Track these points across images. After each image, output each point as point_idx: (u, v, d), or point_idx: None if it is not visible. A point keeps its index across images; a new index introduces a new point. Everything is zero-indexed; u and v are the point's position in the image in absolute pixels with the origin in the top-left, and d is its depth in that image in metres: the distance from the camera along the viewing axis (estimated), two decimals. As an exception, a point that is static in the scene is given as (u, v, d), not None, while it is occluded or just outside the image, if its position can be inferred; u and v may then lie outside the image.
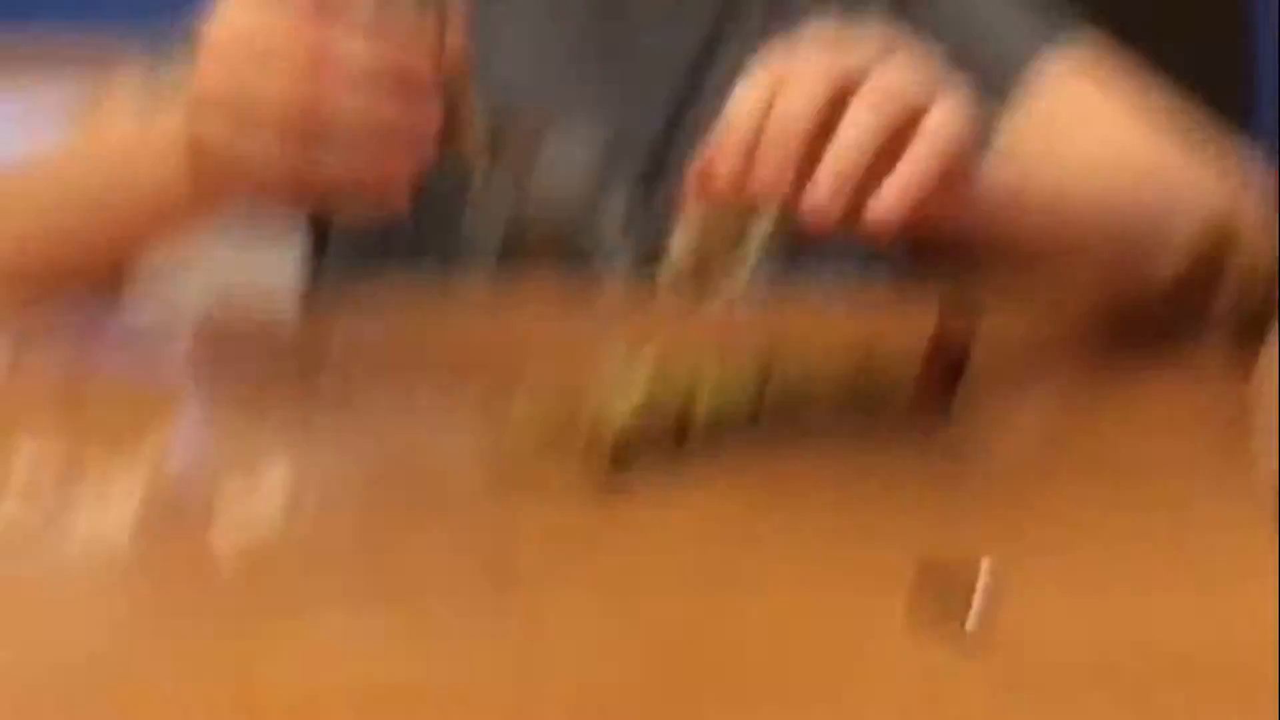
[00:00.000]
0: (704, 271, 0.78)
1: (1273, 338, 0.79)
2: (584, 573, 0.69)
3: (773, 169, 0.75)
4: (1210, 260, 0.87)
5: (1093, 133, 1.02)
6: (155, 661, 0.61)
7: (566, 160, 1.03)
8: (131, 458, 0.68)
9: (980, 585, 0.66)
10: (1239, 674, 0.62)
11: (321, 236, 1.06)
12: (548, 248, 0.87)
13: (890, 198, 0.74)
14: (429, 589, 0.66)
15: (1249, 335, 0.88)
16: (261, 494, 0.67)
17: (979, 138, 0.79)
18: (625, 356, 0.79)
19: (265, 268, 0.69)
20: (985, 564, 0.66)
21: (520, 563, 0.68)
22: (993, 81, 1.04)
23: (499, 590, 0.66)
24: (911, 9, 1.07)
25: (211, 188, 0.84)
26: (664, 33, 1.07)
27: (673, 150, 1.04)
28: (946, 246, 0.84)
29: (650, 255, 0.81)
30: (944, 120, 0.75)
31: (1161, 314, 0.88)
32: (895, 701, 0.60)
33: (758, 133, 0.75)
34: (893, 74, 0.76)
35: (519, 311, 0.96)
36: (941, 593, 0.66)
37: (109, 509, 0.67)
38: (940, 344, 0.84)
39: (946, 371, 0.84)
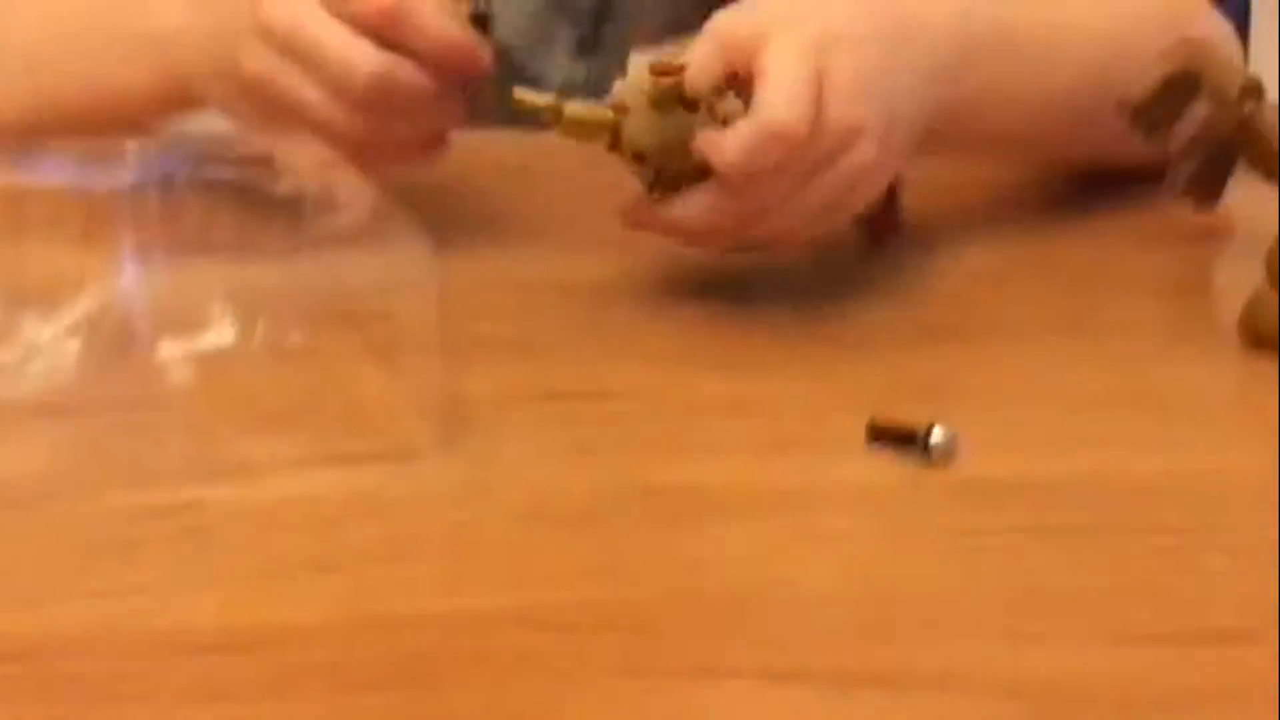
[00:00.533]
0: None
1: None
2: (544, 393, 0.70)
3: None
4: (1179, 80, 0.86)
5: None
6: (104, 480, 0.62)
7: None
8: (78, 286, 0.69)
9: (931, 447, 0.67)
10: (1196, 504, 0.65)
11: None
12: (501, 77, 0.87)
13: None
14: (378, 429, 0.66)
15: (1212, 174, 0.88)
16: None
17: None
18: None
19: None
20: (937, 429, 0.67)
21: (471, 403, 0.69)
22: None
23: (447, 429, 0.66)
24: None
25: (257, 115, 0.83)
26: None
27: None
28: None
29: (601, 86, 0.80)
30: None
31: (1126, 144, 0.87)
32: (852, 514, 0.63)
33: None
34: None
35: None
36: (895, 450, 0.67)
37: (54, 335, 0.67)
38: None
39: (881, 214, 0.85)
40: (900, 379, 0.74)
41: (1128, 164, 0.93)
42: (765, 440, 0.69)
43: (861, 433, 0.68)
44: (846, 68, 0.77)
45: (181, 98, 0.88)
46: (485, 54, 0.81)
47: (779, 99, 0.75)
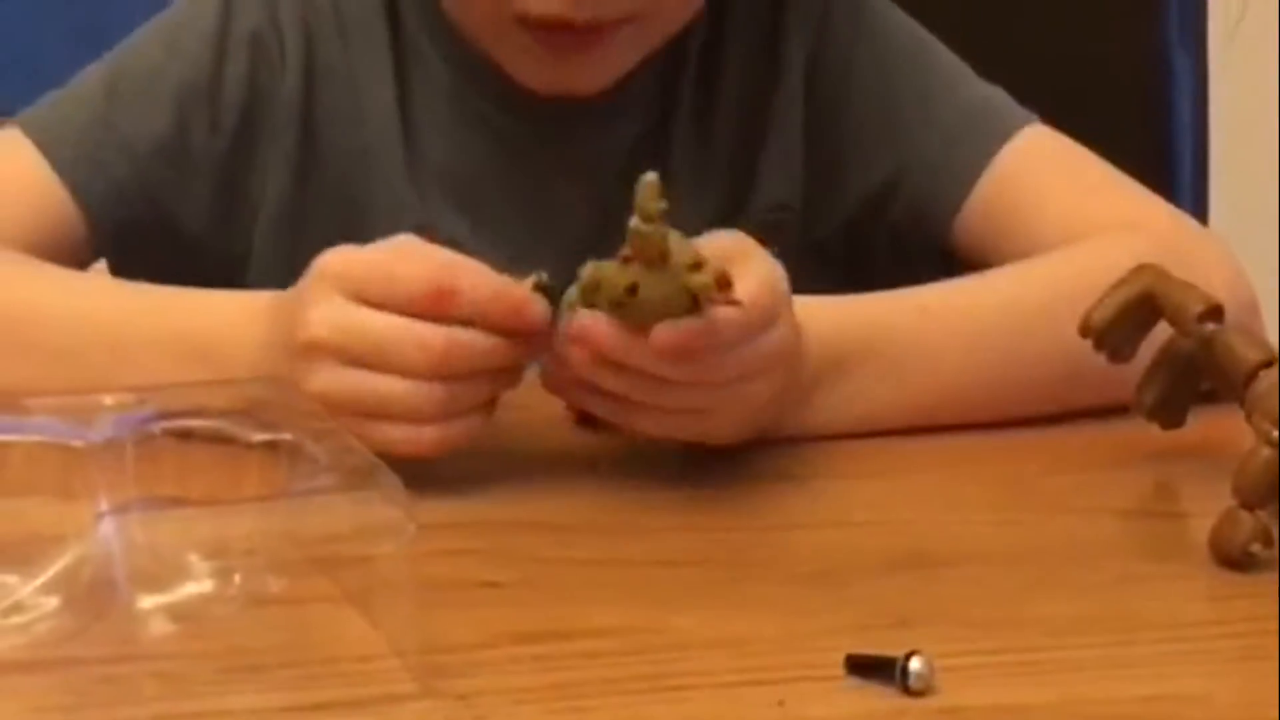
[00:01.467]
0: None
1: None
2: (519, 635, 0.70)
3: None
4: (1140, 303, 0.87)
5: (1047, 216, 1.04)
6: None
7: None
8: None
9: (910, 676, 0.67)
10: None
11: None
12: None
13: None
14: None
15: (1176, 394, 0.89)
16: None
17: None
18: None
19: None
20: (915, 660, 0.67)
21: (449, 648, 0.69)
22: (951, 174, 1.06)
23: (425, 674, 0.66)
24: (853, 108, 1.09)
25: None
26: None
27: None
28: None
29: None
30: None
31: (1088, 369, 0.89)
32: None
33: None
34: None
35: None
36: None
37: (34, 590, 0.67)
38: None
39: None
40: (873, 608, 0.74)
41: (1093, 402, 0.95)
42: (744, 675, 0.69)
43: (839, 664, 0.68)
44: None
45: None
46: (540, 307, 0.83)
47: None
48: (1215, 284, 0.88)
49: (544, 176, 1.08)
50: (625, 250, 0.82)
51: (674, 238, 0.81)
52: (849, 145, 1.09)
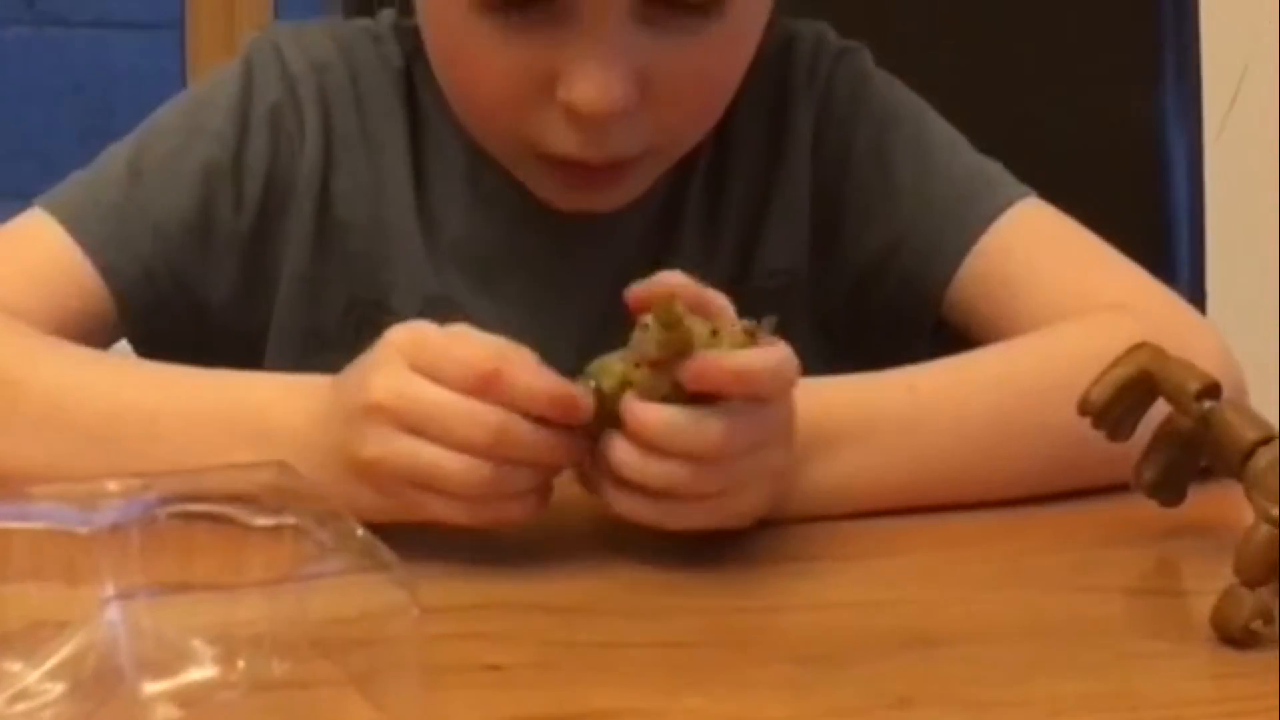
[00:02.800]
0: None
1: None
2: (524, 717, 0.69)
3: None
4: (1137, 382, 0.88)
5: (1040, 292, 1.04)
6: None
7: None
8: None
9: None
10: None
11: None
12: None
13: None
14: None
15: (1176, 471, 0.89)
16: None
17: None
18: None
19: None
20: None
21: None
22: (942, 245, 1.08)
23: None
24: (852, 181, 1.10)
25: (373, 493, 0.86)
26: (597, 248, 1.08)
27: None
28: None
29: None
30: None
31: (1085, 447, 0.89)
32: None
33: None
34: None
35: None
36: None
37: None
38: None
39: None
40: (876, 688, 0.74)
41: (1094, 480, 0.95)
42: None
43: (843, 745, 0.68)
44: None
45: None
46: (587, 400, 0.83)
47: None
48: (1204, 366, 0.88)
49: (561, 251, 1.08)
50: (637, 349, 0.83)
51: (688, 322, 0.82)
52: (847, 215, 1.11)
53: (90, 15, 2.59)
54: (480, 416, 0.83)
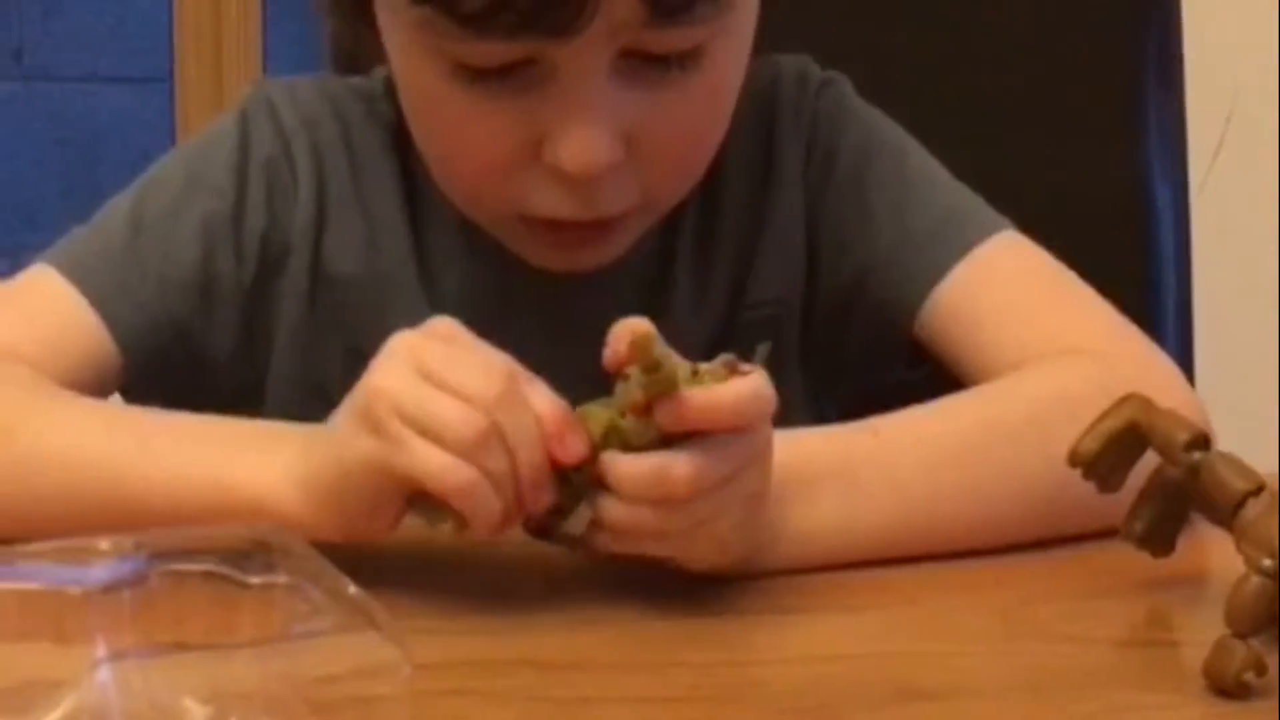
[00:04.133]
0: None
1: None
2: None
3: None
4: (1126, 433, 0.88)
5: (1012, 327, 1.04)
6: None
7: None
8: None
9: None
10: None
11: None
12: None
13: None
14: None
15: (1166, 522, 0.90)
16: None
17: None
18: None
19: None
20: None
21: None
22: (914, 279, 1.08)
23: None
24: (830, 210, 1.11)
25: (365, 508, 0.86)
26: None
27: None
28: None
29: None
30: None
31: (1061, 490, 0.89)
32: None
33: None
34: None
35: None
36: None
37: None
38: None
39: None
40: (872, 743, 0.74)
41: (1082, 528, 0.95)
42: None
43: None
44: None
45: (302, 482, 0.88)
46: (581, 443, 0.83)
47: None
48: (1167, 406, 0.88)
49: (557, 302, 1.09)
50: (622, 399, 0.83)
51: (670, 363, 0.82)
52: (823, 243, 1.12)
53: (78, 70, 2.60)
54: (496, 369, 0.83)
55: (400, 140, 1.11)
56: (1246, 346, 1.85)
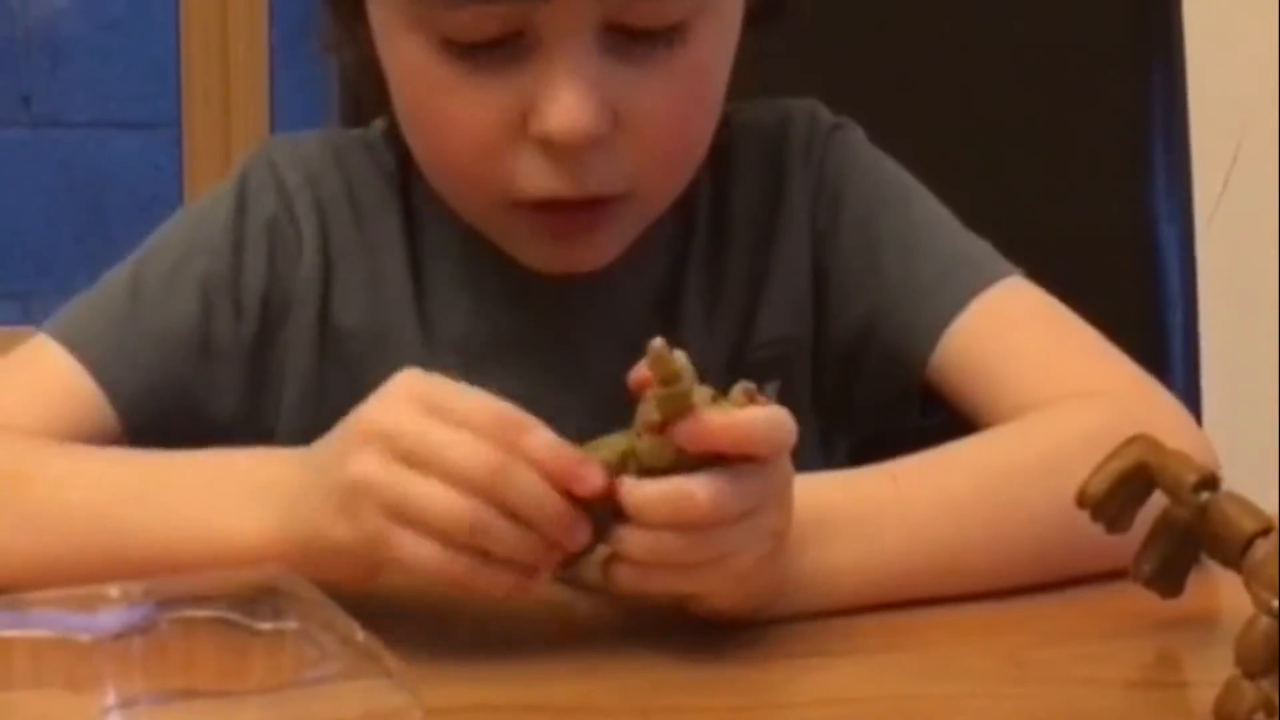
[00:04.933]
0: None
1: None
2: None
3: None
4: (1134, 474, 0.88)
5: (1017, 368, 1.04)
6: None
7: None
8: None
9: None
10: None
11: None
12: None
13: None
14: None
15: (1175, 563, 0.90)
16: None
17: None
18: None
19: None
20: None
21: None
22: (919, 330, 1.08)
23: None
24: (838, 255, 1.12)
25: (351, 574, 0.85)
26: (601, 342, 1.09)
27: None
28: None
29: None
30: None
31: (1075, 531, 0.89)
32: None
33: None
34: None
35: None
36: None
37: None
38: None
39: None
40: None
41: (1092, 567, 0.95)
42: None
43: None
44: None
45: (284, 552, 0.87)
46: (596, 475, 0.83)
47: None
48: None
49: (562, 337, 1.09)
50: (641, 420, 0.83)
51: (688, 378, 0.82)
52: (831, 288, 1.12)
53: (87, 116, 2.61)
54: (482, 452, 0.82)
55: (402, 187, 1.11)
56: (1254, 387, 1.85)
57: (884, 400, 1.11)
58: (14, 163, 2.60)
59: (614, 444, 0.84)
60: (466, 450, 0.82)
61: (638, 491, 0.82)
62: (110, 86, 2.60)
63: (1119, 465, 0.89)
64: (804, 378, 1.12)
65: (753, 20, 1.06)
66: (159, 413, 1.05)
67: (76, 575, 0.85)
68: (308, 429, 1.07)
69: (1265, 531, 0.83)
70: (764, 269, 1.11)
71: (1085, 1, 1.36)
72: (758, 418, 0.83)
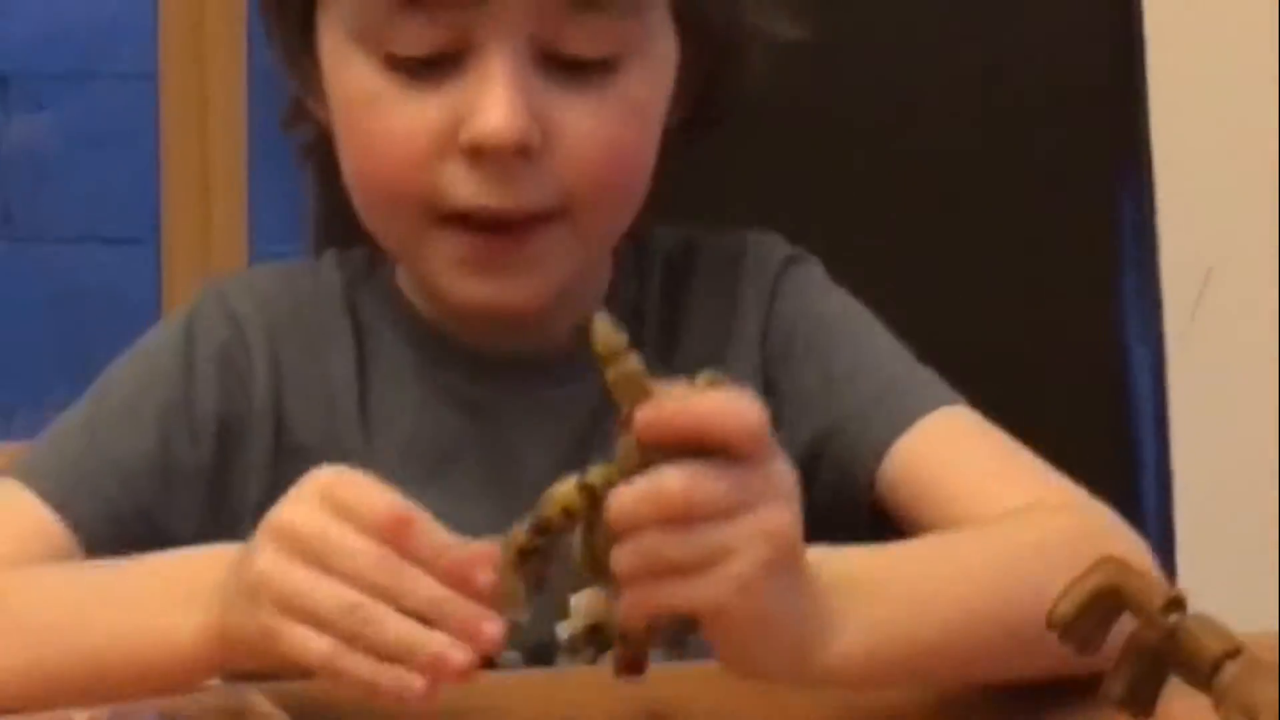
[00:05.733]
0: None
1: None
2: None
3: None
4: (1103, 596, 0.88)
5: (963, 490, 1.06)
6: None
7: None
8: None
9: None
10: None
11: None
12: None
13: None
14: None
15: (1145, 683, 0.89)
16: None
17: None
18: None
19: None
20: None
21: None
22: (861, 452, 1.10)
23: None
24: (790, 377, 1.14)
25: (269, 667, 0.87)
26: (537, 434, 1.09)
27: None
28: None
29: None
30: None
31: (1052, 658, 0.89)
32: None
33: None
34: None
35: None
36: None
37: None
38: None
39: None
40: None
41: (1055, 674, 0.95)
42: None
43: None
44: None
45: (222, 650, 0.90)
46: (485, 575, 0.83)
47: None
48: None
49: (511, 438, 1.11)
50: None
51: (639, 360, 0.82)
52: (784, 408, 1.13)
53: (67, 230, 2.62)
54: (372, 549, 0.83)
55: (349, 302, 1.14)
56: (1228, 508, 1.85)
57: (837, 519, 1.11)
58: (-3, 278, 2.62)
59: (600, 472, 0.83)
60: (359, 546, 0.83)
61: (614, 501, 0.81)
62: (90, 202, 2.62)
63: (1087, 586, 0.88)
64: None
65: (688, 121, 1.10)
66: (123, 540, 1.06)
67: (35, 684, 0.91)
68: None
69: (1234, 653, 0.82)
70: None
71: (1054, 120, 1.37)
72: (718, 396, 0.83)
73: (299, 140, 1.18)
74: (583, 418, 1.10)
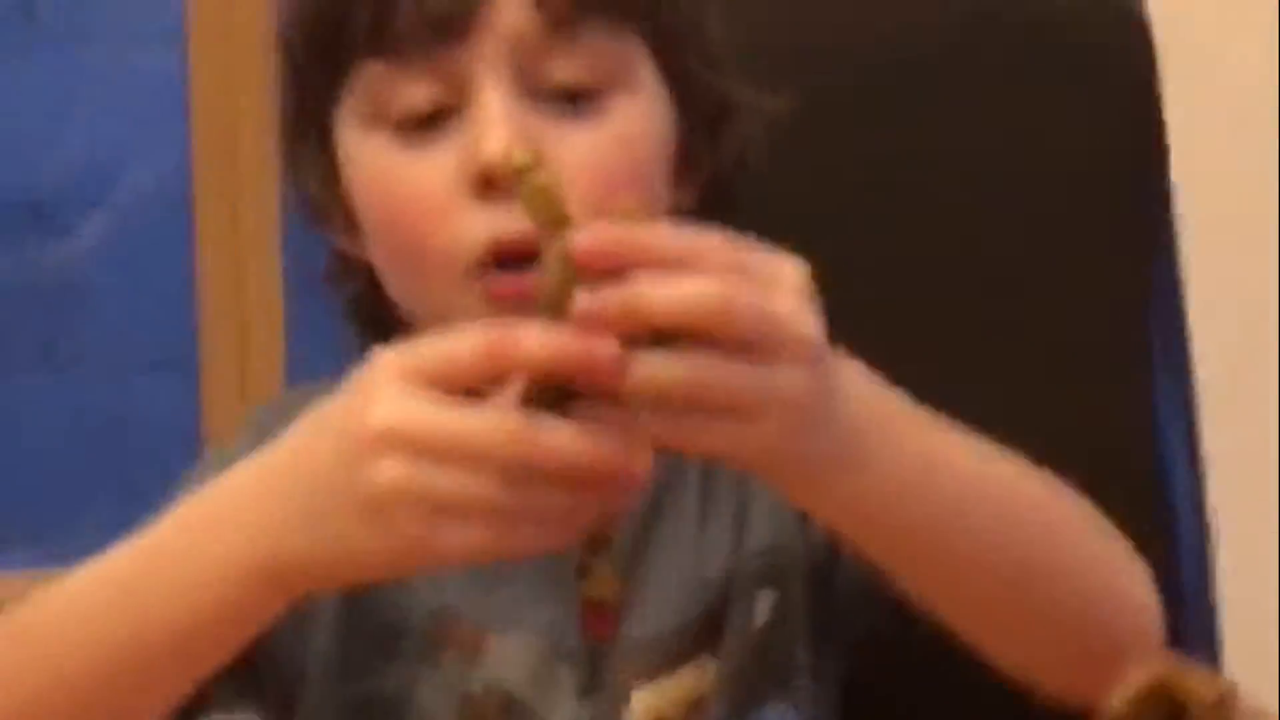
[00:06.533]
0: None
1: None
2: None
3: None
4: (1157, 690, 0.89)
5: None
6: None
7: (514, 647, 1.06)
8: None
9: None
10: None
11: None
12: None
13: None
14: None
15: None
16: None
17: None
18: None
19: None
20: None
21: None
22: None
23: None
24: None
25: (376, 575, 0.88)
26: None
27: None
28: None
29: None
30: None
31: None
32: None
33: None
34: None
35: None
36: None
37: None
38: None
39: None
40: None
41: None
42: None
43: None
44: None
45: (279, 586, 0.90)
46: (611, 349, 0.83)
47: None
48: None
49: None
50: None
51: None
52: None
53: (105, 359, 2.63)
54: (496, 420, 0.83)
55: None
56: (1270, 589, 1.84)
57: (858, 604, 1.12)
58: (34, 408, 2.63)
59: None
60: (483, 427, 0.83)
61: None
62: (127, 329, 2.63)
63: (1140, 681, 0.89)
64: (798, 593, 1.12)
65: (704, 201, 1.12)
66: None
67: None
68: (339, 701, 1.08)
69: (1286, 746, 0.83)
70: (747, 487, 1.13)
71: (1081, 204, 1.36)
72: (674, 229, 0.87)
73: (345, 296, 1.19)
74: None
